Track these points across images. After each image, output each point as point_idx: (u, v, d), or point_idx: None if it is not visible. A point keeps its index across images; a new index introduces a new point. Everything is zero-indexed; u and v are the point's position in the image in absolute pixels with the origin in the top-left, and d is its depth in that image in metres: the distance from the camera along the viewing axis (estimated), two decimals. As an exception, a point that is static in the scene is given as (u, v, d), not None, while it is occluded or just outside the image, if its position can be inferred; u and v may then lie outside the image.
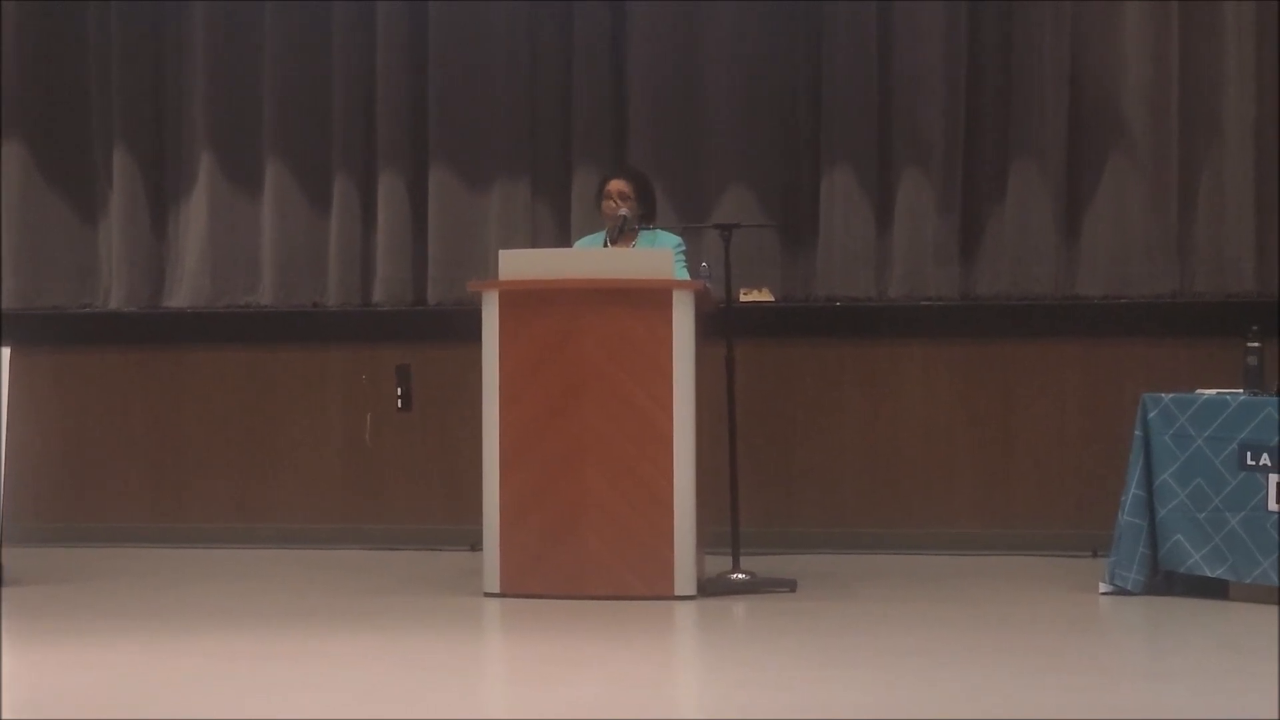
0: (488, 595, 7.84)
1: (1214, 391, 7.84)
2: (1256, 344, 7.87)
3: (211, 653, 6.72)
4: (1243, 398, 7.71)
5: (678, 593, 7.73)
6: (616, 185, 8.41)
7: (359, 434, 9.92)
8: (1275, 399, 7.60)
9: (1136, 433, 7.90)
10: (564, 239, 9.64)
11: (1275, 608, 7.40)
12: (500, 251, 8.16)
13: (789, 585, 8.10)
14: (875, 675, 6.29)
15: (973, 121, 9.59)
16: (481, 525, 7.89)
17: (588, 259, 8.17)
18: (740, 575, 8.09)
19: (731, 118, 9.68)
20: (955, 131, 9.56)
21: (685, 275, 8.18)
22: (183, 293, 10.05)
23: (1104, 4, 9.52)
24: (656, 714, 5.85)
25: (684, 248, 8.37)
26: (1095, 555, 8.83)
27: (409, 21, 9.89)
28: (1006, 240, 9.57)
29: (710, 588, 7.94)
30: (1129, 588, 7.83)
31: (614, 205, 8.36)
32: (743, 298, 9.42)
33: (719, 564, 8.16)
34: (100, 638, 7.07)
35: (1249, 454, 7.61)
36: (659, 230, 8.47)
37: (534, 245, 9.63)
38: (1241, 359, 7.89)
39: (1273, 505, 7.53)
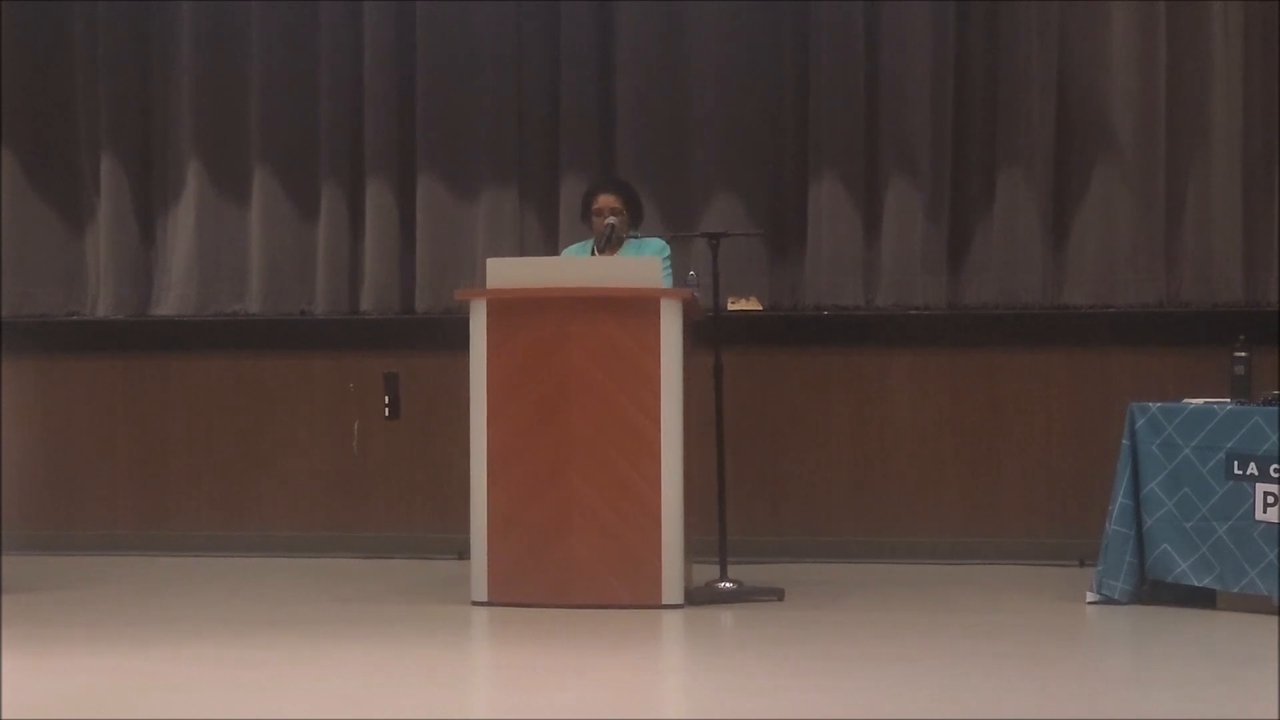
0: (475, 604, 7.83)
1: (1201, 401, 7.84)
2: (1244, 353, 7.88)
3: (200, 660, 6.70)
4: (1230, 407, 7.71)
5: (665, 601, 7.73)
6: (606, 200, 8.40)
7: (346, 442, 9.91)
8: (1262, 408, 7.61)
9: (1124, 442, 7.90)
10: (552, 247, 9.65)
11: (1262, 617, 7.41)
12: (488, 260, 8.17)
13: (776, 594, 8.09)
14: (862, 683, 6.29)
15: (960, 129, 9.61)
16: (469, 533, 7.88)
17: (575, 267, 8.17)
18: (727, 584, 8.09)
19: (719, 125, 9.69)
20: (943, 139, 9.57)
21: (670, 282, 8.18)
22: (170, 300, 10.04)
23: (1090, 11, 9.53)
24: (643, 723, 5.86)
25: (669, 254, 8.37)
26: (1082, 564, 8.84)
27: (396, 30, 9.89)
28: (994, 249, 9.58)
29: (697, 596, 7.94)
30: (1116, 597, 7.83)
31: (604, 221, 8.35)
32: (730, 306, 9.42)
33: (706, 572, 8.16)
34: (89, 645, 7.05)
35: (1236, 463, 7.61)
36: (644, 238, 8.47)
37: (522, 253, 9.64)
38: (1229, 368, 7.90)
39: (1260, 514, 7.54)
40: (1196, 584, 7.73)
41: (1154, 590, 7.87)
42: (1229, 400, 7.80)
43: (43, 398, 10.03)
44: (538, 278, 7.92)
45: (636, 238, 8.43)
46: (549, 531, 7.78)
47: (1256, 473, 7.56)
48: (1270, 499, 7.51)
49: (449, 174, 9.86)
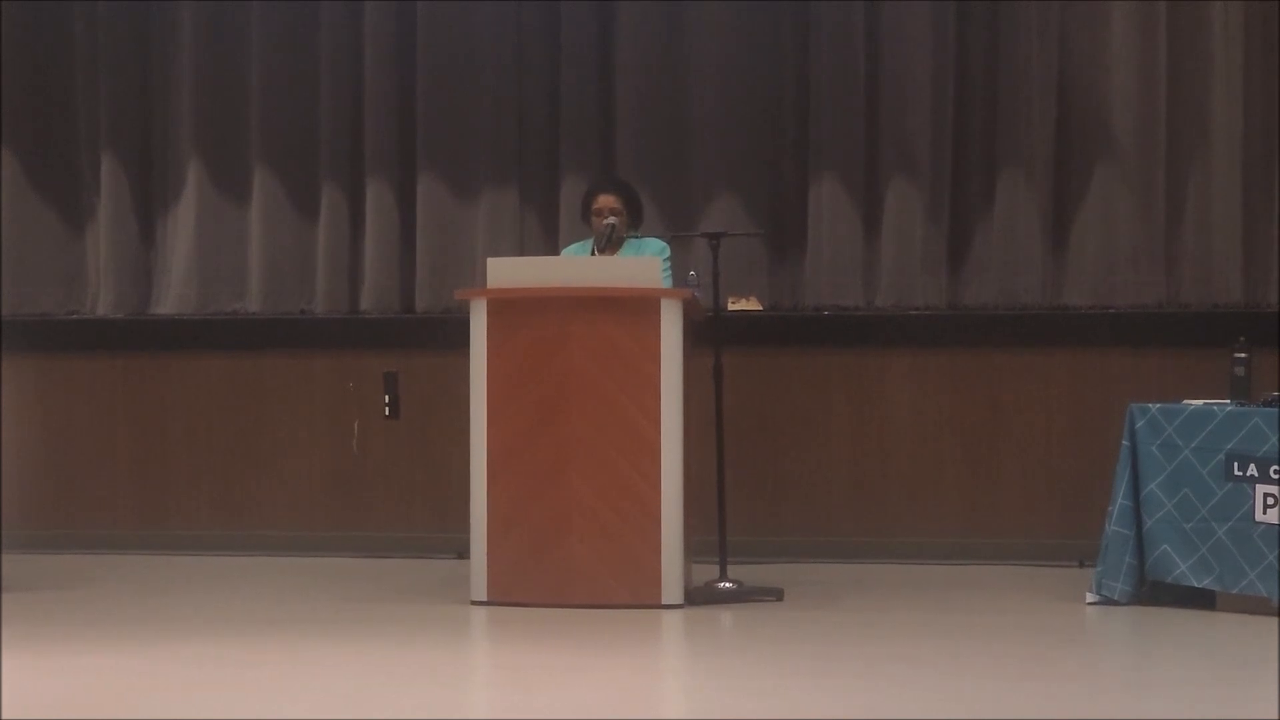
0: (475, 603, 7.83)
1: (1201, 402, 7.84)
2: (1243, 354, 7.88)
3: (199, 659, 6.70)
4: (1230, 408, 7.72)
5: (664, 601, 7.73)
6: (606, 200, 8.40)
7: (346, 441, 9.91)
8: (1262, 409, 7.61)
9: (1124, 443, 7.91)
10: (552, 247, 9.65)
11: (1261, 618, 7.42)
12: (488, 259, 8.18)
13: (776, 594, 8.10)
14: (861, 684, 6.29)
15: (960, 130, 9.60)
16: (469, 533, 7.88)
17: (576, 267, 8.16)
18: (727, 584, 8.09)
19: (719, 126, 9.69)
20: (943, 140, 9.57)
21: (670, 282, 8.19)
22: (170, 300, 10.04)
23: (1091, 12, 9.53)
24: (643, 723, 5.87)
25: (669, 254, 8.37)
26: (1082, 565, 8.84)
27: (396, 30, 9.89)
28: (994, 249, 9.58)
29: (697, 596, 7.94)
30: (1116, 598, 7.84)
31: (604, 221, 8.36)
32: (731, 306, 9.42)
33: (706, 572, 8.16)
34: (88, 644, 7.05)
35: (1236, 464, 7.62)
36: (644, 238, 8.48)
37: (522, 253, 9.64)
38: (1228, 369, 7.90)
39: (1259, 516, 7.54)
40: (1196, 585, 7.73)
41: (1153, 591, 7.88)
42: (1229, 401, 7.80)
43: (43, 397, 10.03)
44: (538, 278, 7.92)
45: (636, 238, 8.43)
46: (549, 531, 7.78)
47: (1256, 474, 7.56)
48: (1270, 500, 7.51)
49: (449, 174, 9.86)
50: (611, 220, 8.32)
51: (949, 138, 9.58)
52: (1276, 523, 7.49)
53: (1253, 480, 7.57)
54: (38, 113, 10.13)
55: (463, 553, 8.23)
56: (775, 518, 9.58)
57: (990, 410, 9.58)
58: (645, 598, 7.73)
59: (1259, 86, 9.42)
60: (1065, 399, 9.53)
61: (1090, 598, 7.91)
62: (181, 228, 10.01)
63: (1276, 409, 7.55)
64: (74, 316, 10.14)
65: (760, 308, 9.63)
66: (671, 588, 7.75)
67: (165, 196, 10.07)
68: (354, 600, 8.24)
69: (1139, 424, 7.88)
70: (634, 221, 8.48)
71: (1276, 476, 7.50)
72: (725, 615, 7.79)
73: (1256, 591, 7.55)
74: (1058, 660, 6.83)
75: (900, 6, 9.58)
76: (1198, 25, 9.46)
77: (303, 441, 9.95)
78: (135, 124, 10.08)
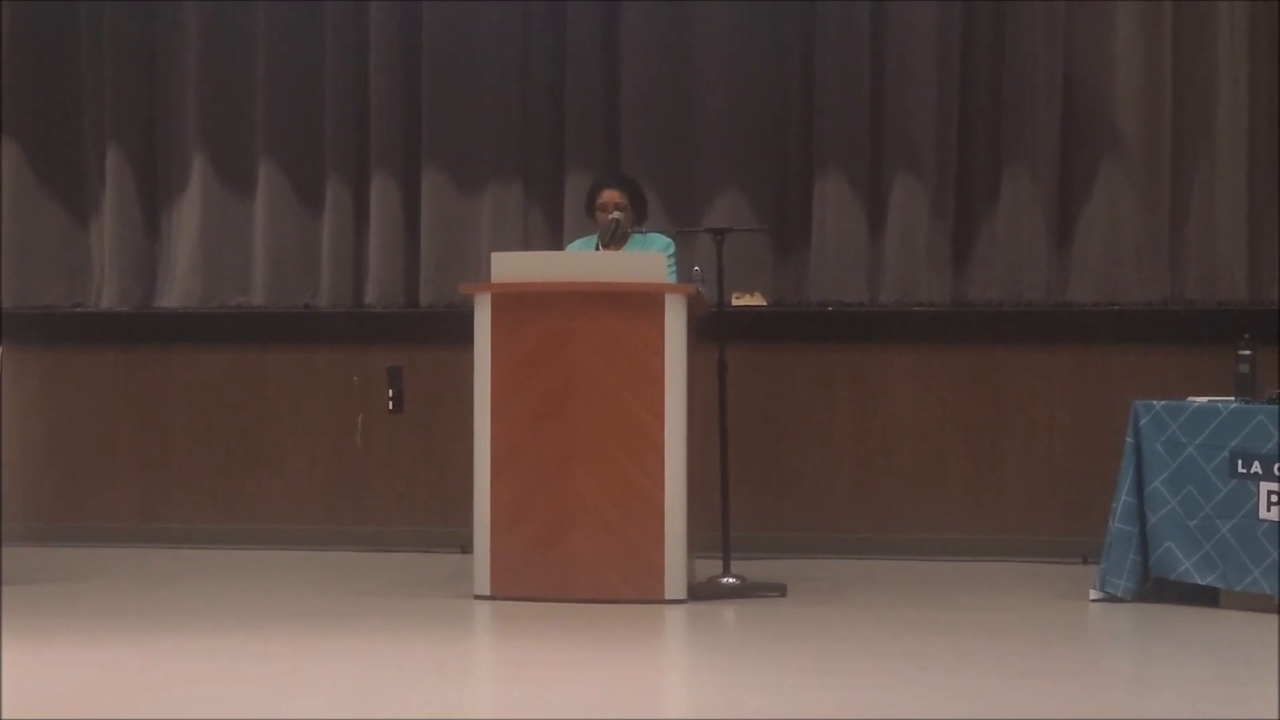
0: (478, 598, 7.83)
1: (1205, 399, 7.84)
2: (1248, 352, 7.88)
3: (202, 654, 6.71)
4: (1234, 405, 7.72)
5: (668, 596, 7.73)
6: (611, 196, 8.40)
7: (350, 435, 9.91)
8: (1266, 407, 7.61)
9: (1128, 440, 7.91)
10: (556, 242, 9.64)
11: (1265, 615, 7.41)
12: (492, 254, 8.17)
13: (779, 590, 8.10)
14: (865, 680, 6.29)
15: (966, 127, 9.60)
16: (472, 528, 7.88)
17: (580, 262, 8.16)
18: (730, 579, 8.09)
19: (724, 122, 9.68)
20: (948, 137, 9.56)
21: (675, 277, 8.19)
22: (174, 293, 10.04)
23: (1096, 10, 9.53)
24: (645, 716, 5.85)
25: (673, 250, 8.37)
26: (1085, 562, 8.84)
27: (401, 24, 9.89)
28: (999, 246, 9.58)
29: (700, 592, 7.94)
30: (1119, 595, 7.84)
31: (608, 216, 8.36)
32: (735, 302, 9.41)
33: (709, 568, 8.16)
34: (90, 638, 7.05)
35: (1240, 462, 7.61)
36: (649, 233, 8.48)
37: (526, 248, 9.63)
38: (1233, 367, 7.90)
39: (1263, 513, 7.54)
40: (1200, 582, 7.73)
41: (1157, 588, 7.88)
42: (1233, 399, 7.81)
43: (46, 389, 10.03)
44: (542, 272, 7.92)
45: (641, 233, 8.43)
46: (552, 526, 7.78)
47: (1260, 471, 7.56)
48: (1274, 498, 7.51)
49: (454, 168, 9.85)
50: (616, 215, 8.33)
51: (954, 135, 9.57)
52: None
53: (1256, 478, 7.57)
54: (43, 106, 10.12)
55: (466, 547, 8.23)
56: (778, 513, 9.58)
57: (994, 407, 9.58)
58: (648, 593, 7.73)
59: (1264, 85, 9.42)
60: (1069, 396, 9.52)
61: (1094, 594, 7.92)
62: (186, 221, 10.01)
63: None
64: (78, 309, 10.14)
65: (764, 303, 9.63)
66: (675, 583, 7.75)
67: (170, 190, 10.07)
68: (357, 594, 8.24)
69: (1143, 421, 7.89)
70: (639, 217, 8.48)
71: (1280, 474, 7.51)
72: (728, 611, 7.79)
73: (1260, 589, 7.55)
74: (1061, 657, 6.84)
75: (905, 5, 9.57)
76: (1203, 24, 9.46)
77: (306, 435, 9.95)
78: (140, 118, 10.07)
